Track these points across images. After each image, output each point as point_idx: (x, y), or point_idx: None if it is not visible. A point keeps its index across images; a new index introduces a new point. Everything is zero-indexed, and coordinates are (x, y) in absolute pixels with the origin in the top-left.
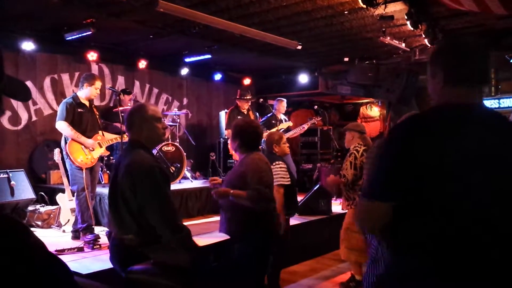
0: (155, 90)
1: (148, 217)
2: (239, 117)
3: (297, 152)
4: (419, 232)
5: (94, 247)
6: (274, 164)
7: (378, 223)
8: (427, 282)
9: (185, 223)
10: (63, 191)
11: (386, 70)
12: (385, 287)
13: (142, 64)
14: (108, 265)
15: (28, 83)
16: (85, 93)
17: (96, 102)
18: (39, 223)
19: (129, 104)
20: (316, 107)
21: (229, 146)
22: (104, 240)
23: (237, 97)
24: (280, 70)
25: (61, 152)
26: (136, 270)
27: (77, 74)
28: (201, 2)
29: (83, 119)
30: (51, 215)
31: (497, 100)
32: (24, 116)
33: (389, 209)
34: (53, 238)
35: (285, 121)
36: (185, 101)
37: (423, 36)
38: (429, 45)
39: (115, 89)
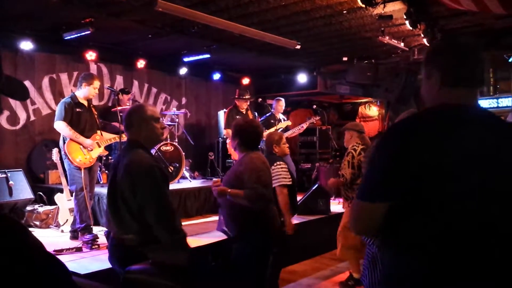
0: (154, 90)
1: (146, 217)
2: (237, 116)
3: (296, 152)
4: (419, 232)
5: (93, 247)
6: (275, 164)
7: (374, 224)
8: (428, 282)
9: (183, 223)
10: (61, 191)
11: (385, 69)
12: None
13: (141, 63)
14: (107, 265)
15: (27, 83)
16: (83, 92)
17: (95, 102)
18: (38, 223)
19: (127, 104)
20: (315, 106)
21: (227, 146)
22: (102, 240)
23: (236, 96)
24: (279, 69)
25: (60, 152)
26: (134, 270)
27: (75, 73)
28: (200, 2)
29: (82, 119)
30: (50, 215)
31: (495, 100)
32: (22, 116)
33: (385, 210)
34: (52, 238)
35: (284, 120)
36: (183, 100)
37: (422, 35)
38: (428, 45)
39: (113, 89)
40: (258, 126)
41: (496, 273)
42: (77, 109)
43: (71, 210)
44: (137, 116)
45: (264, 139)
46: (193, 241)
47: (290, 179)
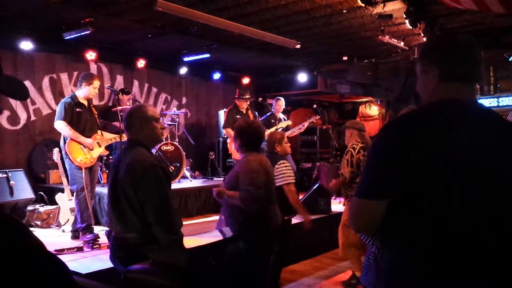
0: (154, 90)
1: (147, 215)
2: (238, 116)
3: (297, 151)
4: (414, 230)
5: (94, 246)
6: (278, 163)
7: (373, 222)
8: (425, 280)
9: (184, 223)
10: (62, 190)
11: (385, 69)
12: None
13: (141, 63)
14: (108, 264)
15: (27, 83)
16: (83, 92)
17: (95, 102)
18: (39, 223)
19: (127, 104)
20: (315, 106)
21: (228, 145)
22: (103, 239)
23: (236, 96)
24: (279, 69)
25: (60, 151)
26: (134, 269)
27: (75, 73)
28: (200, 1)
29: (82, 118)
30: (51, 215)
31: (495, 99)
32: (23, 116)
33: (384, 208)
34: (53, 238)
35: (284, 120)
36: (184, 100)
37: (422, 34)
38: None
39: (114, 89)
40: (258, 127)
41: (495, 272)
42: (77, 109)
43: (72, 210)
44: (138, 116)
45: (266, 138)
46: (194, 241)
47: (294, 177)
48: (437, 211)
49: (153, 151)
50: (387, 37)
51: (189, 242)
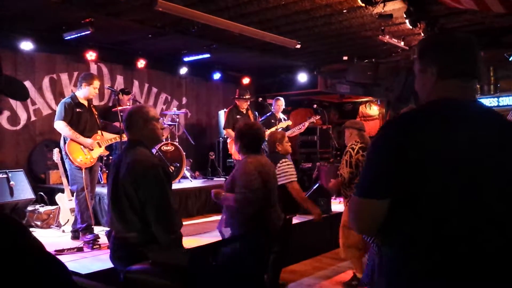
0: (154, 90)
1: (147, 215)
2: (238, 116)
3: (297, 151)
4: (412, 229)
5: (94, 247)
6: (280, 162)
7: (373, 221)
8: (428, 282)
9: (184, 223)
10: (62, 191)
11: (385, 68)
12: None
13: (141, 63)
14: (108, 265)
15: (27, 83)
16: (83, 93)
17: (95, 102)
18: (39, 223)
19: (128, 104)
20: (315, 106)
21: (228, 146)
22: (103, 240)
23: (236, 96)
24: (279, 69)
25: (60, 152)
26: (134, 270)
27: (76, 73)
28: (200, 1)
29: (82, 119)
30: (51, 215)
31: (496, 99)
32: (23, 116)
33: (384, 208)
34: (53, 238)
35: (284, 120)
36: (184, 100)
37: (422, 34)
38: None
39: (114, 89)
40: (259, 129)
41: (494, 272)
42: (77, 109)
43: (72, 210)
44: (139, 116)
45: (266, 138)
46: (194, 241)
47: (296, 175)
48: (436, 210)
49: (153, 151)
50: (387, 37)
51: (190, 242)
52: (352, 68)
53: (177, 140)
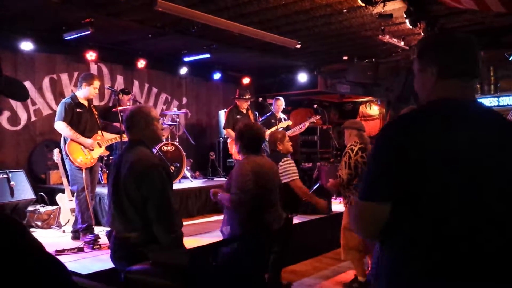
0: (154, 90)
1: (148, 213)
2: (238, 116)
3: (297, 151)
4: (412, 229)
5: (94, 247)
6: (282, 160)
7: (377, 224)
8: (428, 281)
9: (185, 223)
10: (63, 191)
11: (385, 68)
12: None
13: (141, 63)
14: (108, 265)
15: (27, 83)
16: (83, 93)
17: (95, 102)
18: (39, 223)
19: (128, 104)
20: (315, 106)
21: (228, 146)
22: (104, 240)
23: (236, 96)
24: (279, 69)
25: (61, 152)
26: (135, 270)
27: (76, 74)
28: (200, 1)
29: (82, 119)
30: (51, 216)
31: (496, 98)
32: (23, 117)
33: (386, 210)
34: (53, 239)
35: (285, 120)
36: (184, 100)
37: (422, 34)
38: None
39: (114, 89)
40: (258, 129)
41: (494, 272)
42: (78, 110)
43: (72, 211)
44: (140, 116)
45: (267, 138)
46: (194, 241)
47: (298, 173)
48: (436, 210)
49: (154, 151)
50: (387, 36)
51: (190, 242)
52: (352, 68)
53: (177, 140)
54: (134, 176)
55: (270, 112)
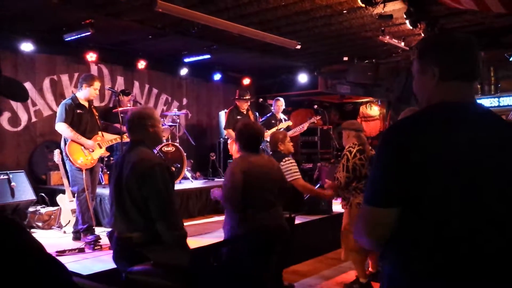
0: (155, 91)
1: (151, 212)
2: (238, 117)
3: (297, 152)
4: (420, 232)
5: (95, 248)
6: (284, 160)
7: (383, 229)
8: (429, 282)
9: (185, 223)
10: (63, 192)
11: (386, 69)
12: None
13: (141, 64)
14: (109, 265)
15: (27, 84)
16: (84, 94)
17: (96, 103)
18: (40, 224)
19: (128, 105)
20: (315, 106)
21: (228, 146)
22: (105, 240)
23: (236, 97)
24: (279, 70)
25: (61, 153)
26: (136, 270)
27: (76, 75)
28: (200, 2)
29: (83, 120)
30: (52, 216)
31: (496, 99)
32: (23, 117)
33: (392, 217)
34: (54, 239)
35: (285, 120)
36: (184, 101)
37: (422, 35)
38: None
39: (114, 90)
40: (257, 129)
41: (494, 273)
42: (78, 110)
43: (73, 211)
44: (142, 118)
45: (268, 139)
46: (195, 242)
47: (299, 173)
48: (437, 212)
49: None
50: (387, 37)
51: (191, 243)
52: (352, 68)
53: (177, 141)
54: (137, 176)
55: (271, 113)
